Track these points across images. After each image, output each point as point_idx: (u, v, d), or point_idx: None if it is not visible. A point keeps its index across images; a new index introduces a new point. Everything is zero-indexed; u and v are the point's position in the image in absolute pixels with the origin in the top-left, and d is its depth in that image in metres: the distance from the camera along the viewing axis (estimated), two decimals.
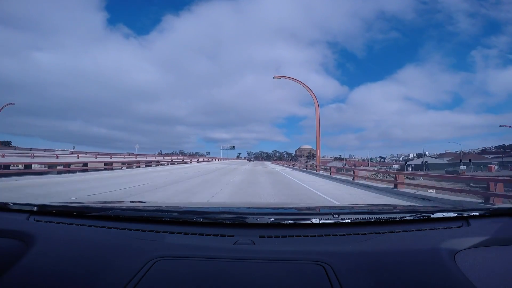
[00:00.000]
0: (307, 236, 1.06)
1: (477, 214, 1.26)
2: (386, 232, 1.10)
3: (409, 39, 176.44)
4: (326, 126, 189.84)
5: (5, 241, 1.08)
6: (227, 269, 0.86)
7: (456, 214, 1.24)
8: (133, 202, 2.16)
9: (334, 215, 1.15)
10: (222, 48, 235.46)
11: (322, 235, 1.07)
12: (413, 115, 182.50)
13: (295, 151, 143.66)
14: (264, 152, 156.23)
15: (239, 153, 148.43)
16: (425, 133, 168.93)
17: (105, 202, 1.83)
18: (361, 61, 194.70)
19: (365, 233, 1.08)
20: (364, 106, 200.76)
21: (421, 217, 1.22)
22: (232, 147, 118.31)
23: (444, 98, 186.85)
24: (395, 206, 1.81)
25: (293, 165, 36.19)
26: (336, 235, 1.08)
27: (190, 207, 1.55)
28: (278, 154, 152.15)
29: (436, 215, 1.23)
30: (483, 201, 6.31)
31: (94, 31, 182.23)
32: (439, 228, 1.16)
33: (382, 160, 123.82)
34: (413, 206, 2.53)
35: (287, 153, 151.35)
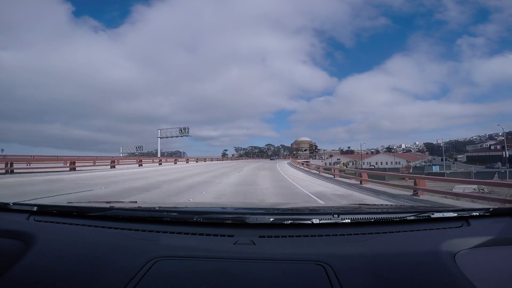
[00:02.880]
0: (307, 236, 1.07)
1: (477, 214, 1.27)
2: (386, 232, 1.11)
3: (398, 27, 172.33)
4: (316, 120, 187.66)
5: (5, 241, 1.10)
6: (227, 269, 0.87)
7: (456, 214, 1.25)
8: (133, 202, 2.23)
9: (334, 215, 1.17)
10: (202, 39, 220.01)
11: (322, 235, 1.08)
12: (401, 106, 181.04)
13: (292, 144, 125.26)
14: (255, 147, 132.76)
15: (225, 150, 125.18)
16: (414, 124, 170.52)
17: (105, 202, 1.89)
18: (349, 50, 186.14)
19: (365, 233, 1.09)
20: (353, 98, 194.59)
21: (421, 217, 1.23)
22: None
23: (431, 88, 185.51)
24: (395, 206, 1.80)
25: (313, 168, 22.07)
26: (336, 235, 1.09)
27: (190, 207, 1.57)
28: (273, 148, 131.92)
29: (436, 215, 1.24)
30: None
31: (58, 25, 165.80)
32: (439, 228, 1.17)
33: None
34: (413, 206, 2.51)
35: (283, 146, 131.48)
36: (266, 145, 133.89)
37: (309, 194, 8.68)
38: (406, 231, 1.13)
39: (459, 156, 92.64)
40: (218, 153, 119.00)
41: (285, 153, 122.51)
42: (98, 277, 0.85)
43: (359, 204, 2.13)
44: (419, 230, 1.14)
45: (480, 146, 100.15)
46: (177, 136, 61.61)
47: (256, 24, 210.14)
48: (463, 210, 1.31)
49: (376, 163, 73.32)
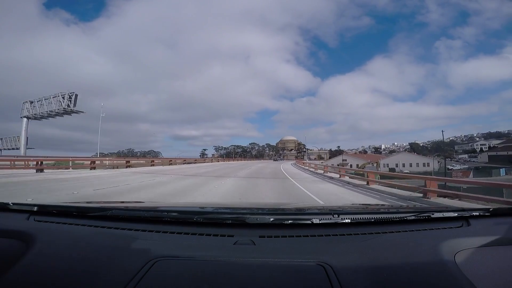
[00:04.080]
0: (307, 236, 1.08)
1: (477, 214, 1.28)
2: (386, 232, 1.11)
3: (380, 27, 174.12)
4: (299, 120, 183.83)
5: (5, 241, 1.10)
6: (227, 269, 0.87)
7: (456, 214, 1.27)
8: (133, 202, 2.19)
9: (334, 215, 1.18)
10: (183, 35, 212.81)
11: (322, 235, 1.09)
12: (381, 107, 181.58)
13: (277, 143, 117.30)
14: (238, 146, 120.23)
15: (204, 150, 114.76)
16: (391, 125, 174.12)
17: (105, 202, 1.90)
18: (333, 51, 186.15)
19: (365, 233, 1.10)
20: (334, 99, 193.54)
21: (421, 217, 1.24)
22: None
23: (409, 90, 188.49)
24: (395, 206, 1.85)
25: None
26: (336, 235, 1.10)
27: (190, 207, 1.59)
28: (257, 148, 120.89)
29: (436, 215, 1.26)
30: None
31: (27, 17, 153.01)
32: (439, 228, 1.18)
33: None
34: (413, 206, 2.58)
35: (269, 145, 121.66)
36: (250, 143, 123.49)
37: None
38: (406, 231, 1.14)
39: (460, 156, 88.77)
40: (198, 153, 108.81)
41: (271, 152, 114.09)
42: (98, 277, 0.85)
43: (359, 204, 2.07)
44: (419, 230, 1.15)
45: (471, 146, 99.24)
46: (57, 114, 34.08)
47: (240, 20, 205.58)
48: (463, 210, 1.31)
49: (397, 165, 59.45)
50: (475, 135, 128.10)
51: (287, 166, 28.76)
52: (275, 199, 7.32)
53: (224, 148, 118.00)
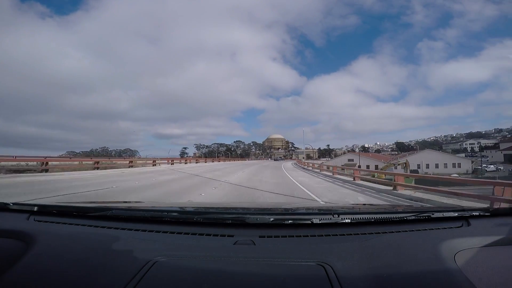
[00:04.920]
0: (307, 236, 1.09)
1: (477, 214, 1.29)
2: (386, 232, 1.12)
3: (366, 27, 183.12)
4: (284, 120, 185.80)
5: (5, 241, 1.11)
6: (227, 269, 0.88)
7: (456, 214, 1.28)
8: (133, 202, 2.19)
9: (334, 215, 1.19)
10: (166, 30, 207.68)
11: (322, 235, 1.09)
12: (364, 108, 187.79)
13: (264, 142, 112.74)
14: (222, 144, 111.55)
15: (185, 148, 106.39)
16: (374, 125, 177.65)
17: (105, 202, 1.90)
18: (319, 50, 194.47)
19: (365, 233, 1.11)
20: (319, 98, 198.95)
21: (421, 217, 1.25)
22: None
23: (392, 90, 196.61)
24: (395, 206, 1.89)
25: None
26: (336, 235, 1.10)
27: (190, 207, 1.59)
28: (243, 146, 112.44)
29: (436, 215, 1.27)
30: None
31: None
32: (439, 228, 1.18)
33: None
34: (413, 206, 2.58)
35: (255, 143, 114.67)
36: (234, 141, 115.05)
37: None
38: (406, 231, 1.14)
39: (458, 155, 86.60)
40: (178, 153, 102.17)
41: (257, 151, 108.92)
42: (98, 277, 0.85)
43: (359, 204, 2.15)
44: (419, 230, 1.15)
45: (460, 145, 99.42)
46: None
47: (227, 15, 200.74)
48: (463, 210, 1.32)
49: (419, 166, 48.84)
50: (454, 135, 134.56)
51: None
52: None
53: (206, 146, 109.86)
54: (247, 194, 7.65)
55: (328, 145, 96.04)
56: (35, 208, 1.36)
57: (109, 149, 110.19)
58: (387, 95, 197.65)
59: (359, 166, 45.08)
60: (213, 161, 40.54)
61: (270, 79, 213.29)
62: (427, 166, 50.28)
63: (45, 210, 1.38)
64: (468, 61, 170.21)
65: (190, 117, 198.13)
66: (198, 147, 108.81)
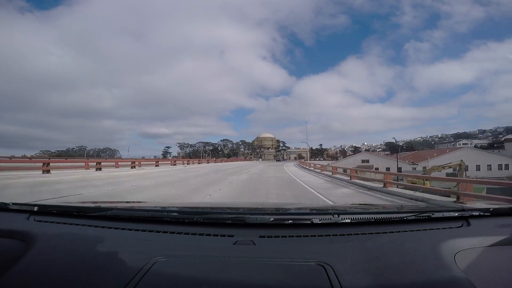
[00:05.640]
0: (307, 236, 1.09)
1: (477, 214, 1.29)
2: (386, 232, 1.12)
3: (356, 27, 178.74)
4: (273, 120, 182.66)
5: (5, 241, 1.12)
6: (227, 269, 0.88)
7: (456, 214, 1.28)
8: (133, 202, 2.22)
9: (334, 215, 1.19)
10: (152, 26, 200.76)
11: (322, 235, 1.10)
12: (351, 108, 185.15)
13: (253, 141, 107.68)
14: (208, 143, 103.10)
15: (168, 147, 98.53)
16: (361, 126, 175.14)
17: (105, 202, 1.89)
18: (308, 49, 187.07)
19: (365, 233, 1.11)
20: (308, 99, 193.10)
21: (421, 217, 1.26)
22: None
23: (379, 91, 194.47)
24: (395, 206, 1.88)
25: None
26: (336, 235, 1.11)
27: (190, 207, 1.60)
28: (230, 145, 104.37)
29: (436, 215, 1.27)
30: None
31: None
32: (439, 228, 1.19)
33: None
34: (413, 206, 2.60)
35: (244, 142, 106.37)
36: (221, 140, 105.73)
37: None
38: (406, 231, 1.15)
39: None
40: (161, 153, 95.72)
41: (246, 151, 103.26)
42: (98, 277, 0.86)
43: (359, 204, 2.01)
44: (419, 230, 1.16)
45: (453, 145, 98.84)
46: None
47: (216, 12, 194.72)
48: (463, 210, 1.32)
49: (455, 169, 32.19)
50: (439, 135, 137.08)
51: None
52: None
53: (191, 145, 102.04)
54: None
55: (320, 145, 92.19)
56: (35, 208, 1.36)
57: (87, 148, 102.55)
58: (374, 95, 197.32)
59: (377, 168, 40.15)
60: (199, 163, 34.86)
61: (259, 78, 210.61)
62: (467, 168, 36.24)
63: (45, 210, 1.39)
64: (452, 63, 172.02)
65: (177, 116, 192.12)
66: (181, 146, 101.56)
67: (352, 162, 48.06)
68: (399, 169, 39.15)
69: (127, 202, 2.22)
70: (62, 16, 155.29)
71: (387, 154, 71.84)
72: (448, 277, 0.84)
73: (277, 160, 75.23)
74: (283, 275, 0.84)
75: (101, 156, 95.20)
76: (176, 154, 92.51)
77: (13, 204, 1.41)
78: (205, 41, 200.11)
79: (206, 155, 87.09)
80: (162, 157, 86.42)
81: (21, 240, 1.09)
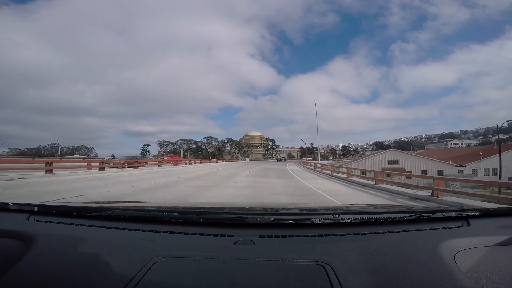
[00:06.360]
0: (307, 236, 1.09)
1: (477, 214, 1.29)
2: (386, 232, 1.13)
3: (344, 27, 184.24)
4: (261, 119, 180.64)
5: (5, 241, 1.12)
6: (227, 269, 0.88)
7: (456, 214, 1.29)
8: (133, 202, 2.19)
9: (334, 215, 1.20)
10: (136, 21, 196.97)
11: (322, 235, 1.10)
12: (338, 108, 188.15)
13: (241, 139, 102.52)
14: (191, 140, 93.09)
15: (147, 145, 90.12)
16: (347, 126, 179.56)
17: (105, 202, 1.89)
18: (297, 48, 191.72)
19: (365, 233, 1.11)
20: (296, 98, 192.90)
21: (422, 217, 1.26)
22: None
23: (365, 92, 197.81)
24: (395, 206, 1.89)
25: None
26: (337, 235, 1.11)
27: (190, 207, 1.60)
28: (216, 144, 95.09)
29: (436, 215, 1.28)
30: None
31: None
32: (439, 228, 1.19)
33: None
34: (413, 206, 2.60)
35: (230, 140, 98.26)
36: (205, 137, 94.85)
37: None
38: (406, 231, 1.15)
39: None
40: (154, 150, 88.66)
41: (232, 150, 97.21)
42: (98, 277, 0.86)
43: (359, 204, 2.05)
44: (419, 230, 1.16)
45: (445, 145, 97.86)
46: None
47: (204, 6, 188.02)
48: (463, 210, 1.32)
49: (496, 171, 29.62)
50: (423, 136, 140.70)
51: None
52: None
53: (171, 143, 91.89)
54: None
55: (311, 143, 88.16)
56: (35, 208, 1.36)
57: (60, 146, 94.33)
58: (360, 96, 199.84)
59: (409, 172, 31.49)
60: (159, 165, 27.25)
61: (248, 76, 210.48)
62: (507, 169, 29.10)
63: (45, 210, 1.39)
64: (436, 65, 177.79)
65: (162, 114, 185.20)
66: (161, 144, 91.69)
67: (375, 162, 38.30)
68: (440, 172, 31.92)
69: (127, 202, 2.24)
70: (40, 10, 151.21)
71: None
72: (448, 277, 0.84)
73: (278, 160, 70.07)
74: (283, 275, 0.84)
75: (73, 154, 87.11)
76: (157, 153, 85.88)
77: (13, 204, 1.41)
78: (192, 37, 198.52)
79: (188, 153, 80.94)
80: (140, 156, 79.50)
81: (21, 240, 1.09)
